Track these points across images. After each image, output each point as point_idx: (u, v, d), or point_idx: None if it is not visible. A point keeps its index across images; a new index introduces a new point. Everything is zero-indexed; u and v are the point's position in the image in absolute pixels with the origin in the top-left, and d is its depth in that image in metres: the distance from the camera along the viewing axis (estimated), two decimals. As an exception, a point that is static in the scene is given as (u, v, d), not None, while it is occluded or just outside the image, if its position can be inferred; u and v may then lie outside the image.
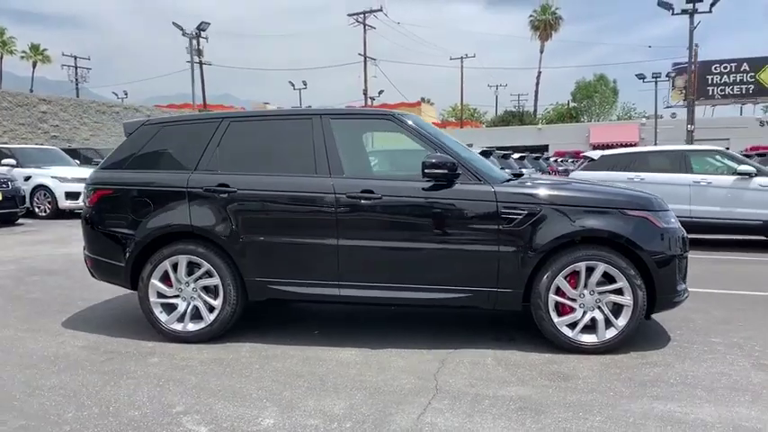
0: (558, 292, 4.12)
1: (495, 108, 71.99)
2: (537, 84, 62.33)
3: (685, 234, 4.28)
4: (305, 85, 50.31)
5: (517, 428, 3.01)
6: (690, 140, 27.16)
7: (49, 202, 13.53)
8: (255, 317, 5.06)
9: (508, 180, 4.36)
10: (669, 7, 24.24)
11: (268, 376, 3.75)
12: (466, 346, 4.28)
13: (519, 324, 4.76)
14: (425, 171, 4.07)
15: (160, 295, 4.44)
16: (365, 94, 41.19)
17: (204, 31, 31.82)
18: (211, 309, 4.39)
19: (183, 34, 31.17)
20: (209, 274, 4.36)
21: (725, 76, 51.60)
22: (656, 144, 41.17)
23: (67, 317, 5.15)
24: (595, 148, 47.48)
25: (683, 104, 53.43)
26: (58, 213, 13.54)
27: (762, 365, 3.87)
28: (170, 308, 4.46)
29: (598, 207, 4.10)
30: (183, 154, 4.53)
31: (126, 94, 60.09)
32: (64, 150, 16.25)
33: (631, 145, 44.96)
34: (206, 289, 4.42)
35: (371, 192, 4.19)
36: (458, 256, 4.14)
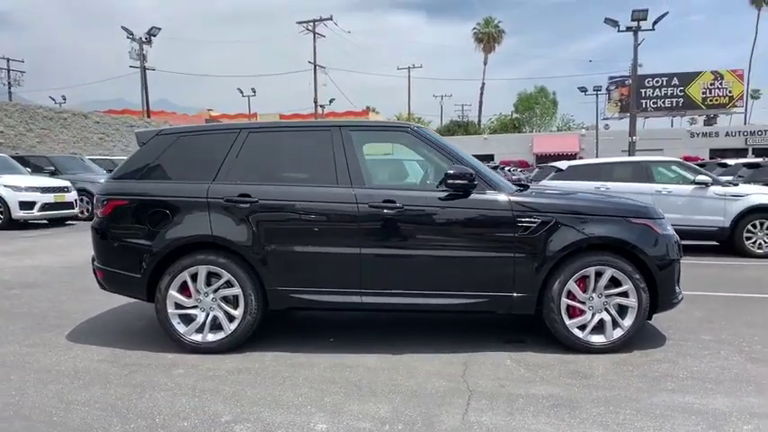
0: (569, 295, 4.37)
1: (440, 118, 73.33)
2: (481, 94, 64.01)
3: (679, 239, 4.63)
4: (254, 92, 49.82)
5: (558, 423, 3.21)
6: (632, 151, 28.56)
7: (1, 213, 12.92)
8: (267, 326, 5.08)
9: (519, 190, 4.59)
10: (615, 24, 25.54)
11: (302, 383, 3.82)
12: (482, 350, 4.46)
13: (525, 327, 4.99)
14: (448, 182, 4.25)
15: (178, 306, 4.42)
16: (315, 102, 41.16)
17: (155, 36, 31.07)
18: (231, 318, 4.41)
19: (132, 39, 30.32)
20: (229, 284, 4.38)
21: (657, 90, 54.51)
22: (597, 154, 42.97)
23: (69, 330, 5.02)
24: (539, 157, 49.17)
25: (618, 117, 56.18)
26: (11, 224, 12.94)
27: (754, 359, 4.23)
28: (187, 319, 4.45)
29: (605, 216, 4.38)
30: (200, 164, 4.54)
31: (64, 99, 57.69)
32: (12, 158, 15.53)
33: (573, 155, 46.77)
34: (225, 299, 4.43)
35: (393, 201, 4.33)
36: (476, 262, 4.33)
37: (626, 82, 51.08)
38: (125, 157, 19.71)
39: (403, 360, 4.26)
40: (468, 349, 4.47)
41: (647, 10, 24.44)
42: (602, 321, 4.39)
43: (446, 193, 4.36)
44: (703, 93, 53.06)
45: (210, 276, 4.41)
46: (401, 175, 8.84)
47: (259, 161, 4.53)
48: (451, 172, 4.25)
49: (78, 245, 10.57)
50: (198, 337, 4.40)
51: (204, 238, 4.35)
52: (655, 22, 25.04)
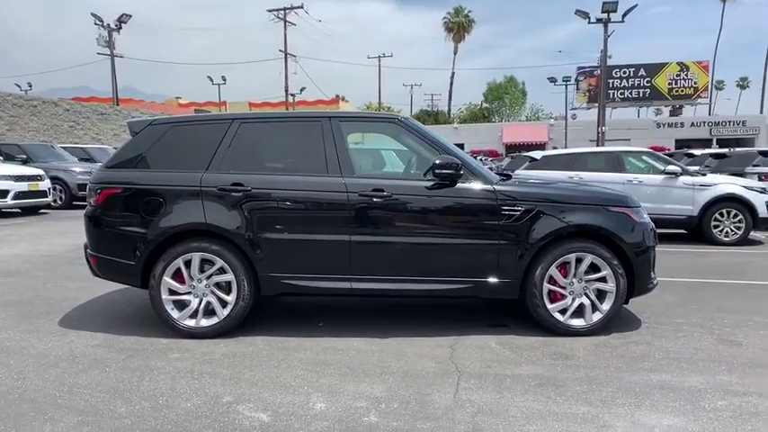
0: (551, 281, 4.57)
1: (410, 107, 73.43)
2: (451, 84, 64.27)
3: (654, 227, 4.87)
4: (224, 80, 49.23)
5: (545, 401, 3.40)
6: (601, 141, 29.15)
7: (-28, 201, 12.65)
8: (256, 312, 5.18)
9: (503, 180, 4.76)
10: (586, 16, 26.01)
11: (297, 366, 3.95)
12: (467, 333, 4.65)
13: (508, 311, 5.20)
14: (436, 171, 4.40)
15: (172, 292, 4.49)
16: (286, 91, 40.88)
17: (125, 23, 30.42)
18: (224, 304, 4.50)
19: (101, 26, 29.63)
20: (222, 271, 4.47)
21: (624, 81, 55.53)
22: (565, 144, 43.67)
23: (60, 317, 5.05)
24: (508, 147, 49.73)
25: (586, 107, 57.11)
26: (-18, 212, 12.70)
27: (724, 341, 4.50)
28: (181, 305, 4.53)
29: (585, 204, 4.59)
30: (193, 154, 4.60)
31: (30, 86, 56.12)
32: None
33: (542, 144, 47.46)
34: (217, 285, 4.52)
35: (382, 190, 4.46)
36: (462, 249, 4.50)
37: (594, 72, 51.89)
38: (97, 146, 19.31)
39: (391, 344, 4.42)
40: (453, 333, 4.65)
41: (617, 2, 24.95)
42: (581, 306, 4.60)
43: (432, 183, 4.51)
44: (669, 84, 54.21)
45: (204, 263, 4.49)
46: (379, 165, 8.98)
47: (251, 151, 4.61)
48: (439, 162, 4.40)
49: (54, 233, 10.46)
50: (191, 323, 4.49)
51: (198, 225, 4.43)
52: (624, 14, 25.59)
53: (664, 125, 49.37)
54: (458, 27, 60.71)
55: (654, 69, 54.24)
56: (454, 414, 3.23)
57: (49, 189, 13.90)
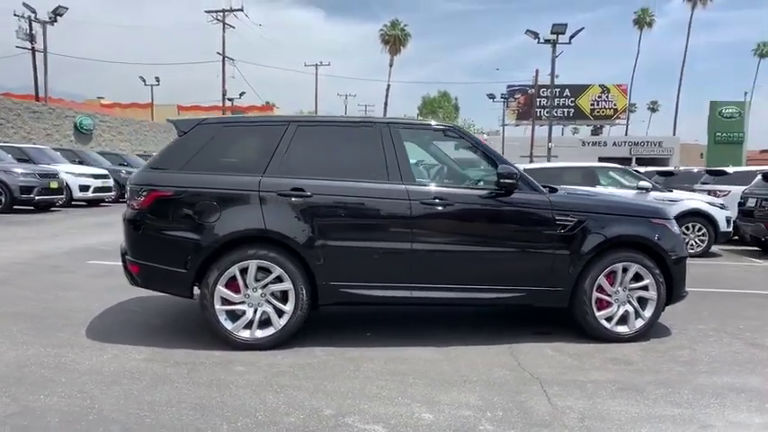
0: (600, 289, 4.71)
1: (345, 117, 73.37)
2: (386, 96, 64.85)
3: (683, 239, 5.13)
4: (158, 81, 47.36)
5: (637, 404, 3.50)
6: (548, 156, 30.37)
7: None
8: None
9: (551, 191, 4.88)
10: (536, 36, 27.17)
11: (374, 376, 3.86)
12: (517, 341, 4.69)
13: (544, 319, 5.30)
14: (501, 181, 4.44)
15: (225, 302, 4.28)
16: (224, 95, 39.89)
17: (61, 15, 28.62)
18: (280, 314, 4.34)
19: (34, 19, 27.76)
20: (279, 279, 4.31)
21: (551, 100, 58.38)
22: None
23: (83, 330, 4.68)
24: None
25: (514, 123, 59.36)
26: None
27: (754, 345, 4.80)
28: (233, 315, 4.31)
29: (631, 216, 4.79)
30: (248, 156, 4.43)
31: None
32: None
33: (476, 158, 48.78)
34: (273, 294, 4.35)
35: (444, 198, 4.46)
36: (520, 258, 4.57)
37: (529, 90, 54.00)
38: (34, 146, 17.96)
39: (452, 352, 4.40)
40: (504, 341, 4.68)
41: (566, 24, 26.33)
42: (626, 313, 4.77)
43: (488, 191, 4.56)
44: (591, 105, 57.39)
45: (259, 271, 4.31)
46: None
47: (308, 155, 4.49)
48: (502, 171, 4.45)
49: (13, 239, 9.69)
50: (246, 334, 4.29)
51: (258, 231, 4.25)
52: (571, 37, 27.03)
53: (588, 143, 51.97)
54: (394, 40, 61.49)
55: (578, 90, 57.24)
56: (562, 420, 3.26)
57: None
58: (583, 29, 26.88)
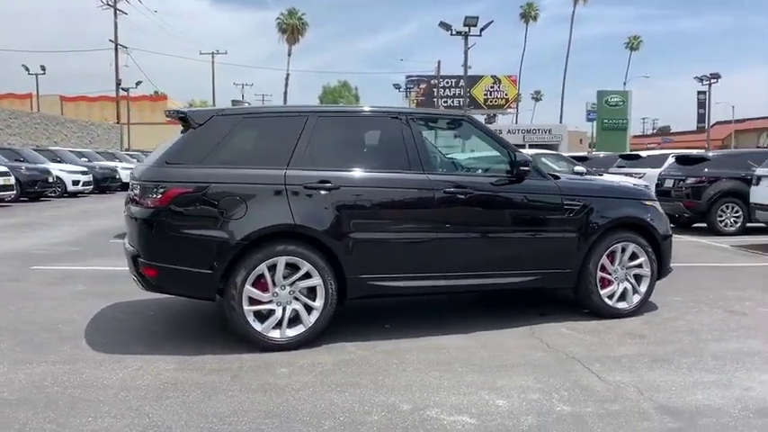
0: (602, 269, 4.97)
1: (241, 107, 71.20)
2: (286, 85, 63.73)
3: None
4: (43, 69, 43.23)
5: (677, 373, 3.75)
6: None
7: None
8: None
9: (555, 178, 5.06)
10: (448, 28, 27.78)
11: (424, 368, 3.83)
12: (531, 323, 4.83)
13: (538, 301, 5.49)
14: (521, 168, 4.55)
15: (252, 302, 4.06)
16: (118, 84, 37.34)
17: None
18: (309, 311, 4.18)
19: None
20: (308, 275, 4.15)
21: (447, 90, 60.19)
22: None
23: (82, 341, 4.26)
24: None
25: (414, 113, 60.51)
26: None
27: (733, 312, 5.27)
28: (260, 315, 4.10)
29: (628, 198, 5.09)
30: (270, 149, 4.21)
31: None
32: None
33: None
34: (301, 291, 4.18)
35: (463, 187, 4.50)
36: (534, 242, 4.72)
37: (432, 81, 55.33)
38: None
39: (481, 338, 4.46)
40: (521, 324, 4.79)
41: (477, 17, 27.13)
42: (625, 290, 5.07)
43: (501, 179, 4.66)
44: (485, 95, 59.86)
45: (285, 267, 4.13)
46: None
47: (330, 146, 4.35)
48: (519, 159, 4.56)
49: None
50: (276, 334, 4.10)
51: (287, 227, 4.06)
52: (482, 30, 27.92)
53: (485, 131, 53.94)
54: (292, 29, 60.41)
55: (472, 81, 59.23)
56: (624, 393, 3.43)
57: None
58: (492, 22, 28.00)
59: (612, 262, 5.02)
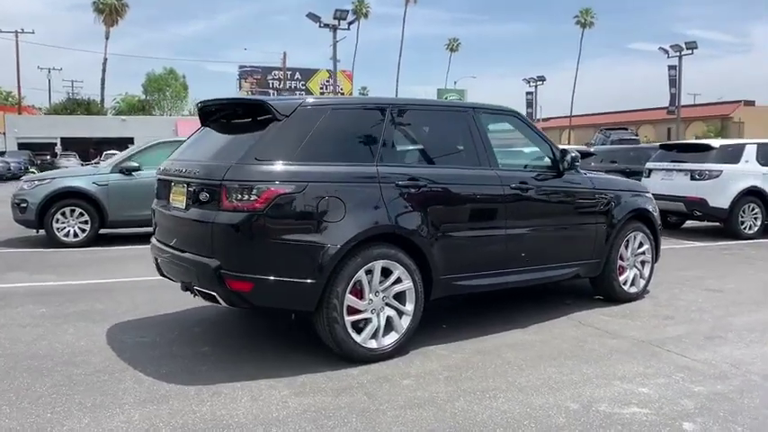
0: (621, 257, 5.35)
1: (48, 94, 63.16)
2: (103, 71, 57.94)
3: None
4: None
5: (734, 347, 4.19)
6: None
7: None
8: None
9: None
10: (317, 19, 27.18)
11: (529, 366, 3.79)
12: (567, 313, 5.03)
13: (551, 292, 5.75)
14: (575, 163, 4.71)
15: (351, 311, 3.71)
16: None
17: None
18: (400, 316, 3.94)
19: None
20: (399, 279, 3.90)
21: (284, 82, 59.51)
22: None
23: (141, 374, 3.54)
24: (184, 142, 47.72)
25: (249, 104, 58.74)
26: None
27: (720, 291, 5.91)
28: (355, 325, 3.77)
29: (636, 191, 5.54)
30: (357, 143, 3.85)
31: None
32: None
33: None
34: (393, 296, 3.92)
35: (525, 182, 4.56)
36: (578, 234, 4.96)
37: (274, 73, 54.04)
38: None
39: (540, 330, 4.56)
40: (558, 315, 4.97)
41: (347, 10, 26.87)
42: (634, 276, 5.51)
43: (549, 174, 4.79)
44: (321, 88, 60.19)
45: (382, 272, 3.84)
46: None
47: (409, 141, 4.13)
48: (574, 154, 4.73)
49: None
50: (374, 343, 3.80)
51: (387, 228, 3.77)
52: (350, 23, 27.75)
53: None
54: (109, 9, 54.95)
55: (308, 74, 59.53)
56: (719, 367, 3.79)
57: None
58: (358, 18, 27.96)
59: (626, 250, 5.42)
